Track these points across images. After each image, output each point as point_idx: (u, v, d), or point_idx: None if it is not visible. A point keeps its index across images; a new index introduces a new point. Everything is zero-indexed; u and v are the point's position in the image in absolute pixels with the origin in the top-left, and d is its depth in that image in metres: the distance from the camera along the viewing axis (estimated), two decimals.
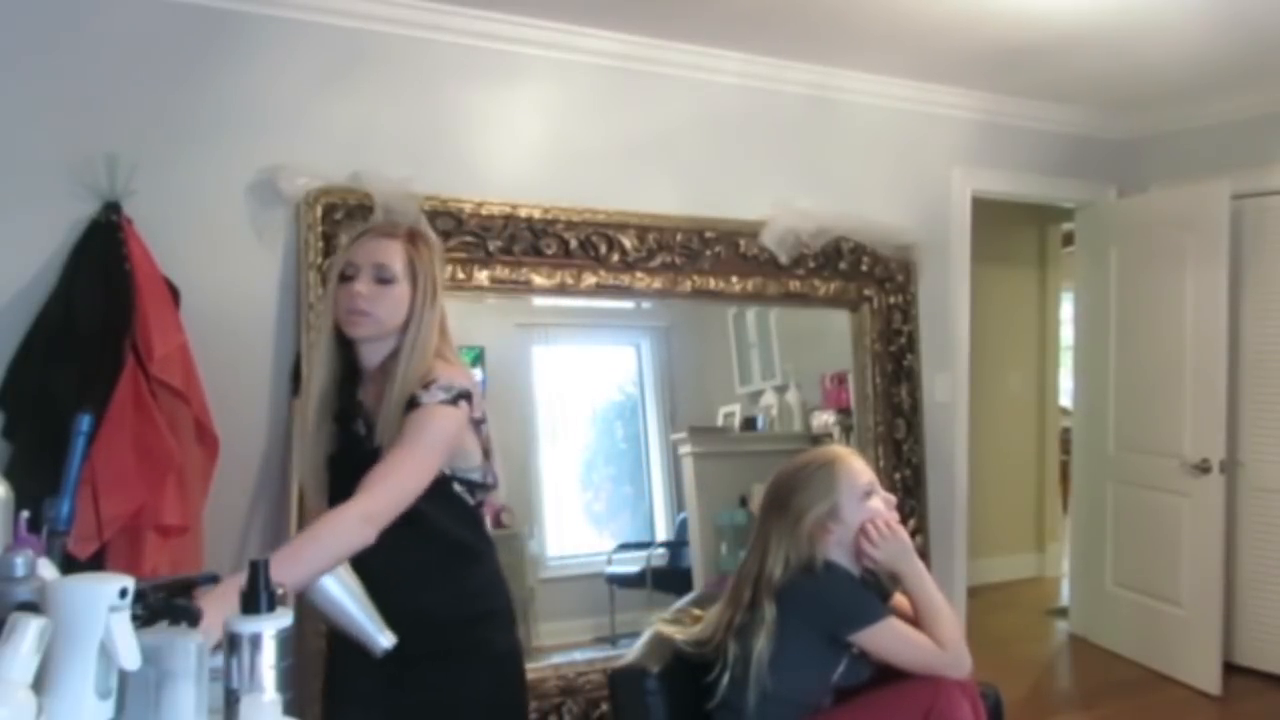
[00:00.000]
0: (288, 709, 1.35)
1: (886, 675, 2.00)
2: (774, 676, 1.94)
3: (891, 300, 4.00)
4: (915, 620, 2.02)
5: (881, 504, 2.07)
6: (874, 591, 2.08)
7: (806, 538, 2.00)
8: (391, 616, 1.62)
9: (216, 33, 2.93)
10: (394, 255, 1.81)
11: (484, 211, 3.21)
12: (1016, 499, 6.00)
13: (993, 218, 4.65)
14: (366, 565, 1.63)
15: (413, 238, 1.86)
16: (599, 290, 3.41)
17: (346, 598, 1.63)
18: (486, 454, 1.87)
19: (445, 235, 3.12)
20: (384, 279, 1.79)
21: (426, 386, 1.76)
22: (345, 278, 1.80)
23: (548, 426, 3.79)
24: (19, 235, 2.69)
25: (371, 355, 1.84)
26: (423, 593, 1.80)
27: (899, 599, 2.10)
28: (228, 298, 2.94)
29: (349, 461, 1.79)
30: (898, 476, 3.95)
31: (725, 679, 2.00)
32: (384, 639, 1.63)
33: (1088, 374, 4.78)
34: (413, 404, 1.74)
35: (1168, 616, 4.24)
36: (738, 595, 2.02)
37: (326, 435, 1.84)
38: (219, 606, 1.35)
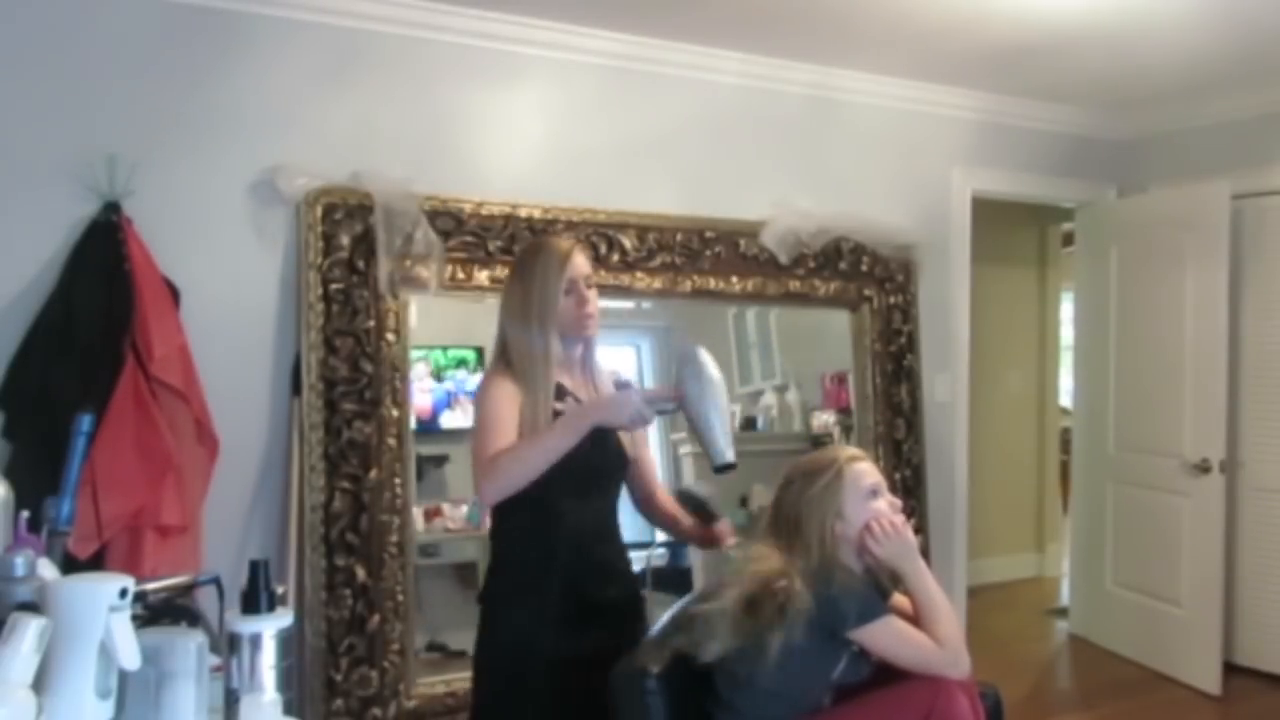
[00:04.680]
0: (288, 709, 1.36)
1: (886, 674, 2.00)
2: (775, 674, 1.94)
3: (891, 300, 4.00)
4: (915, 619, 2.02)
5: (887, 505, 2.07)
6: (875, 589, 2.08)
7: (817, 545, 1.99)
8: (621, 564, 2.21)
9: (216, 33, 2.93)
10: (589, 266, 2.22)
11: (484, 211, 3.22)
12: (1016, 499, 6.00)
13: (993, 218, 4.66)
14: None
15: (585, 248, 2.27)
16: (599, 290, 3.40)
17: (718, 409, 1.99)
18: None
19: (445, 235, 3.12)
20: (591, 285, 2.20)
21: (614, 372, 2.33)
22: (567, 292, 2.15)
23: None
24: (19, 235, 2.69)
25: (575, 347, 2.22)
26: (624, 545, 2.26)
27: (898, 598, 2.10)
28: (228, 298, 2.94)
29: None
30: (898, 476, 3.95)
31: (725, 677, 2.00)
32: (730, 453, 1.99)
33: (1088, 374, 4.79)
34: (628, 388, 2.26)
35: (1168, 616, 4.24)
36: (740, 590, 2.02)
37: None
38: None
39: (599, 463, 2.12)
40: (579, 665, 2.06)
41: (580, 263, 2.18)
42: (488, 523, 2.19)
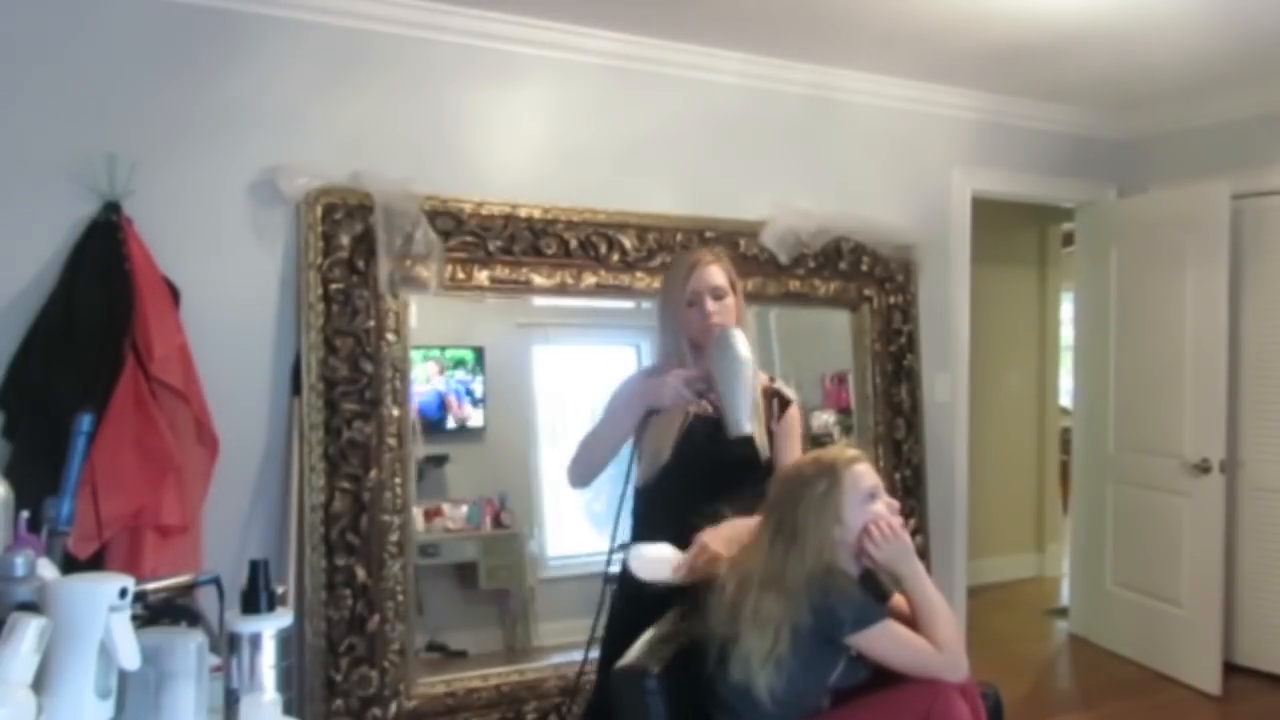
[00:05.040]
0: (288, 709, 1.36)
1: (884, 676, 2.00)
2: (772, 679, 1.94)
3: (891, 300, 4.00)
4: (913, 621, 2.01)
5: (884, 508, 2.06)
6: (873, 591, 2.08)
7: (815, 549, 1.99)
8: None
9: (216, 33, 2.93)
10: (721, 276, 2.35)
11: (484, 211, 3.22)
12: (1016, 499, 5.99)
13: (993, 218, 4.66)
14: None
15: (722, 257, 2.42)
16: (599, 290, 3.41)
17: (743, 380, 2.12)
18: None
19: (445, 235, 3.12)
20: (719, 296, 2.33)
21: (772, 380, 2.47)
22: (690, 304, 2.32)
23: (548, 426, 3.79)
24: (19, 235, 2.69)
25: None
26: None
27: (898, 599, 2.10)
28: (228, 298, 2.94)
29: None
30: (898, 476, 3.95)
31: (724, 679, 2.00)
32: (748, 425, 2.13)
33: (1088, 374, 4.79)
34: (783, 400, 2.44)
35: (1168, 616, 4.24)
36: (739, 596, 2.01)
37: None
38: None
39: (717, 459, 2.25)
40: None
41: (706, 275, 2.33)
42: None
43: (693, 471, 2.27)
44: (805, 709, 2.00)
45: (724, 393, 2.15)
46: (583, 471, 2.31)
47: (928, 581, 2.03)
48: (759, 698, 1.95)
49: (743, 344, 2.17)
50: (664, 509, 2.28)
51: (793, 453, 2.41)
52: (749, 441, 2.24)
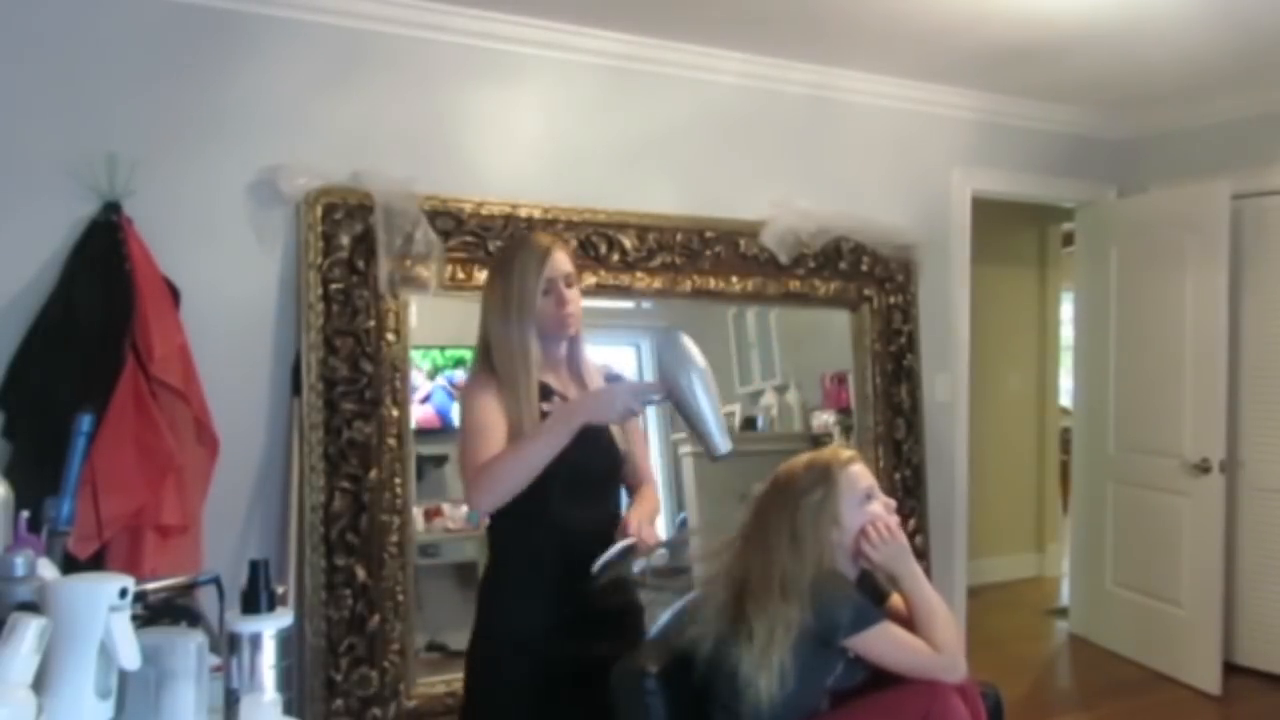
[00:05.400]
0: (288, 709, 1.36)
1: (883, 678, 2.00)
2: (771, 681, 1.94)
3: (891, 300, 4.00)
4: (911, 623, 2.01)
5: (881, 508, 2.06)
6: (871, 592, 2.08)
7: (813, 553, 1.98)
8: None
9: (216, 33, 2.93)
10: (570, 263, 2.14)
11: (484, 211, 3.22)
12: (1016, 499, 6.00)
13: (993, 218, 4.65)
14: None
15: (569, 242, 2.23)
16: (599, 290, 3.41)
17: (708, 395, 1.91)
18: None
19: (445, 235, 3.12)
20: (572, 284, 2.12)
21: (605, 367, 2.29)
22: (546, 292, 2.08)
23: None
24: (19, 235, 2.69)
25: (558, 346, 2.15)
26: None
27: (895, 600, 2.10)
28: (228, 298, 2.94)
29: None
30: (898, 476, 3.95)
31: (722, 682, 2.00)
32: (727, 444, 1.93)
33: (1088, 374, 4.79)
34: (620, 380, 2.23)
35: (1168, 616, 4.24)
36: (734, 596, 2.01)
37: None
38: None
39: (591, 464, 2.07)
40: (571, 670, 2.03)
41: (560, 260, 2.10)
42: (487, 522, 2.17)
43: (578, 478, 2.03)
44: (803, 711, 2.00)
45: (691, 410, 1.93)
46: (496, 496, 1.95)
47: (925, 582, 2.03)
48: (757, 700, 1.95)
49: (697, 349, 1.95)
50: (545, 525, 2.03)
51: (639, 439, 2.31)
52: (613, 439, 2.13)
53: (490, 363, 2.07)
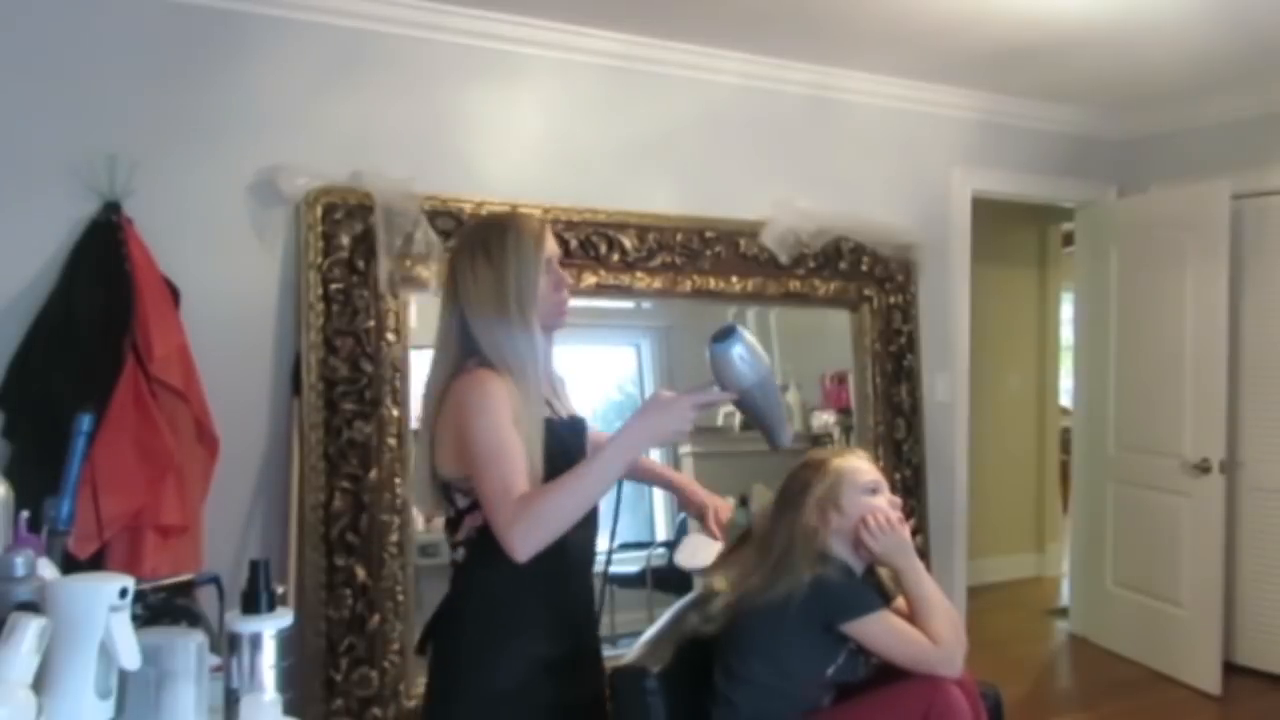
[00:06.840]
0: (288, 709, 1.36)
1: (885, 674, 2.01)
2: (770, 667, 1.95)
3: (891, 300, 4.00)
4: (911, 616, 2.02)
5: (885, 502, 2.08)
6: (875, 590, 2.09)
7: (811, 529, 2.00)
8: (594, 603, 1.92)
9: (216, 33, 2.93)
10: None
11: (484, 211, 3.21)
12: (1016, 499, 6.00)
13: (993, 218, 4.66)
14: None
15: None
16: (599, 290, 3.41)
17: (777, 389, 1.79)
18: None
19: (445, 235, 3.12)
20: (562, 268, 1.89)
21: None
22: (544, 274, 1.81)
23: None
24: (19, 235, 2.69)
25: (550, 340, 1.89)
26: None
27: (901, 604, 2.10)
28: (228, 298, 2.94)
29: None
30: (898, 476, 3.95)
31: (723, 672, 2.01)
32: (787, 436, 1.80)
33: (1088, 374, 4.79)
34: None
35: (1168, 616, 4.24)
36: (740, 583, 2.04)
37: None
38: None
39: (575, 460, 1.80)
40: (574, 714, 1.85)
41: (551, 239, 1.84)
42: (460, 555, 1.82)
43: None
44: (805, 703, 2.01)
45: (764, 406, 1.74)
46: (545, 539, 1.62)
47: (926, 576, 2.04)
48: (758, 689, 1.96)
49: (758, 342, 1.73)
50: (556, 554, 1.68)
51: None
52: (583, 433, 1.90)
53: (485, 364, 1.73)
